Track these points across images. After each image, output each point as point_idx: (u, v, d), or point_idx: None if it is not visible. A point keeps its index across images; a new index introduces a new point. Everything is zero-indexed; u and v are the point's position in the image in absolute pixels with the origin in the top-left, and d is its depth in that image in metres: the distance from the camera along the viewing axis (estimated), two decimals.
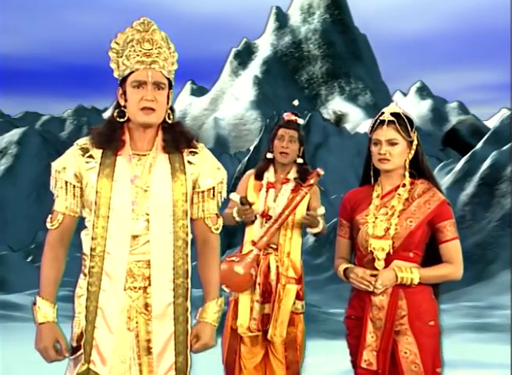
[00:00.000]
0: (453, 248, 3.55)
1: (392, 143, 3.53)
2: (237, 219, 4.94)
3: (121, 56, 3.01)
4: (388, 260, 3.53)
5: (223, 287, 4.78)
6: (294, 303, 4.93)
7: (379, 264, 3.53)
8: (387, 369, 3.46)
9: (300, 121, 5.11)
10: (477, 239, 27.91)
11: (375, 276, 3.52)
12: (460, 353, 9.42)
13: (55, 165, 3.06)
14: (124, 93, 3.01)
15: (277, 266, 4.92)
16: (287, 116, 5.12)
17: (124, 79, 3.01)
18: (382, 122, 3.55)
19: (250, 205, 4.93)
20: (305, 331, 5.05)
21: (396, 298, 3.49)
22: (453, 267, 3.55)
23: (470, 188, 30.10)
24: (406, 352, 3.46)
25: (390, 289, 3.50)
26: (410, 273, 3.48)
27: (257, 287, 4.89)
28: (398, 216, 3.53)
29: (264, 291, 4.92)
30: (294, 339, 4.97)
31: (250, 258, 4.81)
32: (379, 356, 3.47)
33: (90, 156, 3.01)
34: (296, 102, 5.40)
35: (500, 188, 29.45)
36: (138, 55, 2.98)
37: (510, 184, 29.11)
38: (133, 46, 2.99)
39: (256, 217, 4.98)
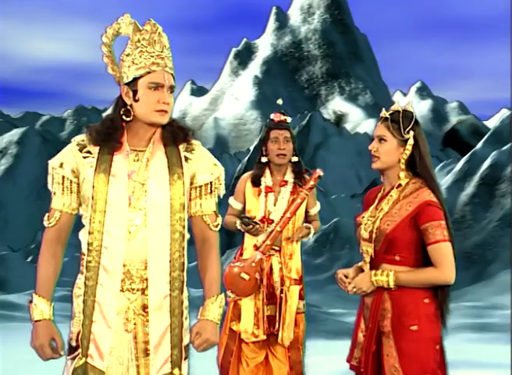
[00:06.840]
0: (436, 251, 3.37)
1: (381, 139, 3.49)
2: (242, 230, 4.94)
3: (127, 55, 2.99)
4: (374, 263, 3.49)
5: (228, 292, 4.78)
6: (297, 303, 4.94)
7: (366, 267, 3.52)
8: (370, 368, 3.43)
9: (289, 119, 5.08)
10: (477, 239, 27.91)
11: None
12: (460, 353, 9.41)
13: (52, 162, 3.06)
14: (134, 92, 2.99)
15: (280, 268, 4.93)
16: (276, 116, 5.05)
17: (134, 78, 2.98)
18: (380, 119, 3.55)
19: (255, 222, 4.88)
20: (305, 331, 5.05)
21: (378, 300, 3.44)
22: (436, 271, 3.37)
23: (470, 188, 30.11)
24: (388, 355, 3.40)
25: (376, 290, 3.46)
26: (386, 276, 3.40)
27: (262, 289, 4.89)
28: (380, 219, 3.45)
29: (267, 292, 4.92)
30: (297, 339, 4.97)
31: (255, 262, 4.80)
32: (363, 355, 3.46)
33: (88, 152, 3.02)
34: (280, 101, 5.26)
35: (500, 188, 29.46)
36: (152, 57, 2.98)
37: (510, 184, 29.12)
38: (143, 46, 2.98)
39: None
